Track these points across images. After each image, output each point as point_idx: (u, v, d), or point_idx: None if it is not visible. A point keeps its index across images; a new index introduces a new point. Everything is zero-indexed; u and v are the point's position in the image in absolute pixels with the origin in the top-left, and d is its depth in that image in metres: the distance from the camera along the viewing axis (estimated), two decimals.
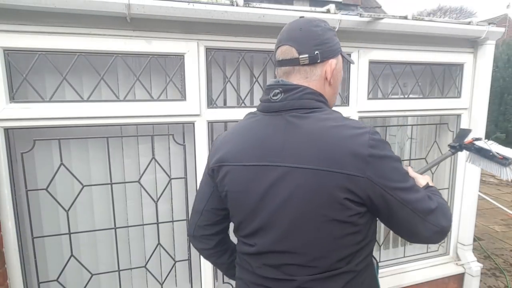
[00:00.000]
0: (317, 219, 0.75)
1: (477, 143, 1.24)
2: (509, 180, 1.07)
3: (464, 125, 2.19)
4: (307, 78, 0.82)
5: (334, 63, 0.84)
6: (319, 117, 0.78)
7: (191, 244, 1.80)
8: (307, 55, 0.80)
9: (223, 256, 1.04)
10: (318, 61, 0.81)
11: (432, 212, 0.77)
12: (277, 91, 0.81)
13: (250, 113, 0.91)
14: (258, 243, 0.83)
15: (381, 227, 2.20)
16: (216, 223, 0.97)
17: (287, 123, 0.78)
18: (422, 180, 0.94)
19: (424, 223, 0.77)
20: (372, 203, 0.75)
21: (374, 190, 0.73)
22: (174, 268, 1.82)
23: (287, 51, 0.82)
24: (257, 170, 0.79)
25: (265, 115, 0.83)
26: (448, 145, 1.33)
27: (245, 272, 0.91)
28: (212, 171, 0.88)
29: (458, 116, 2.20)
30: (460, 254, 2.29)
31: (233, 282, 2.02)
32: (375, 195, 0.73)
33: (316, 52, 0.80)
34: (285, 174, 0.75)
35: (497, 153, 1.16)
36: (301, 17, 0.88)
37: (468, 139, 1.27)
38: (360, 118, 1.95)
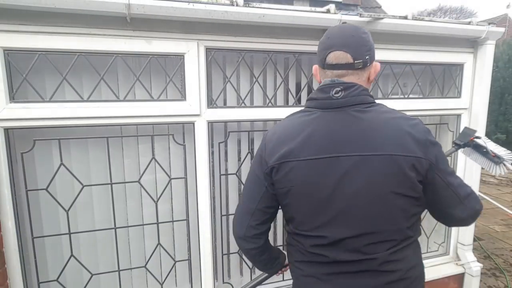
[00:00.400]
0: (391, 197, 0.84)
1: (477, 140, 1.35)
2: (497, 176, 1.21)
3: (464, 125, 2.19)
4: (358, 80, 0.92)
5: (378, 66, 0.97)
6: (379, 110, 0.89)
7: (191, 245, 1.81)
8: (361, 61, 0.90)
9: (265, 253, 1.08)
10: (368, 65, 0.92)
11: (468, 196, 0.91)
12: (338, 89, 0.88)
13: (301, 111, 0.95)
14: (334, 232, 0.88)
15: None
16: (265, 221, 1.00)
17: (352, 117, 0.87)
18: None
19: (461, 205, 0.90)
20: (426, 181, 0.87)
21: (430, 170, 0.85)
22: (174, 268, 1.82)
23: (342, 57, 0.90)
24: (327, 162, 0.85)
25: (325, 111, 0.89)
26: (453, 141, 1.43)
27: (317, 266, 0.93)
28: (272, 170, 0.90)
29: (458, 116, 2.20)
30: (460, 254, 2.29)
31: (235, 282, 2.02)
32: (429, 175, 0.86)
33: (367, 57, 0.91)
34: (359, 162, 0.84)
35: (491, 151, 1.27)
36: (343, 22, 0.97)
37: (470, 137, 1.38)
38: None
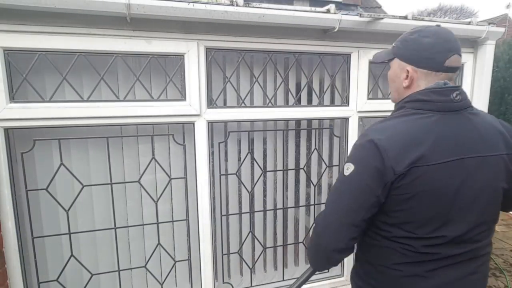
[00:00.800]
0: (500, 192, 0.94)
1: None
2: None
3: None
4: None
5: None
6: (481, 112, 0.96)
7: (191, 245, 1.81)
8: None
9: None
10: None
11: None
12: (458, 92, 0.92)
13: (412, 113, 0.93)
14: (454, 230, 0.91)
15: None
16: (363, 230, 0.96)
17: (468, 119, 0.92)
18: None
19: None
20: None
21: None
22: (174, 268, 1.82)
23: (459, 60, 0.95)
24: (453, 165, 0.88)
25: (444, 114, 0.91)
26: None
27: (423, 264, 0.93)
28: (399, 177, 0.87)
29: None
30: None
31: (235, 282, 2.02)
32: None
33: None
34: (480, 162, 0.90)
35: None
36: (437, 25, 0.98)
37: None
38: (360, 118, 1.95)
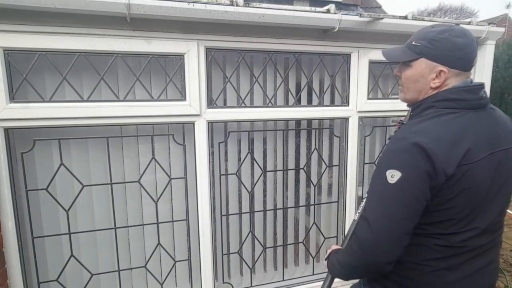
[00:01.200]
0: None
1: None
2: None
3: None
4: None
5: None
6: (496, 108, 1.01)
7: (191, 245, 1.81)
8: None
9: None
10: None
11: None
12: (484, 90, 0.96)
13: (445, 113, 0.93)
14: (484, 222, 0.94)
15: None
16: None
17: (491, 115, 0.96)
18: None
19: None
20: None
21: None
22: (174, 268, 1.82)
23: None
24: (489, 159, 0.91)
25: (474, 112, 0.94)
26: None
27: (451, 258, 0.94)
28: (448, 177, 0.86)
29: None
30: None
31: (235, 283, 2.02)
32: None
33: None
34: (505, 154, 0.94)
35: None
36: (457, 24, 1.00)
37: None
38: (360, 118, 1.95)
